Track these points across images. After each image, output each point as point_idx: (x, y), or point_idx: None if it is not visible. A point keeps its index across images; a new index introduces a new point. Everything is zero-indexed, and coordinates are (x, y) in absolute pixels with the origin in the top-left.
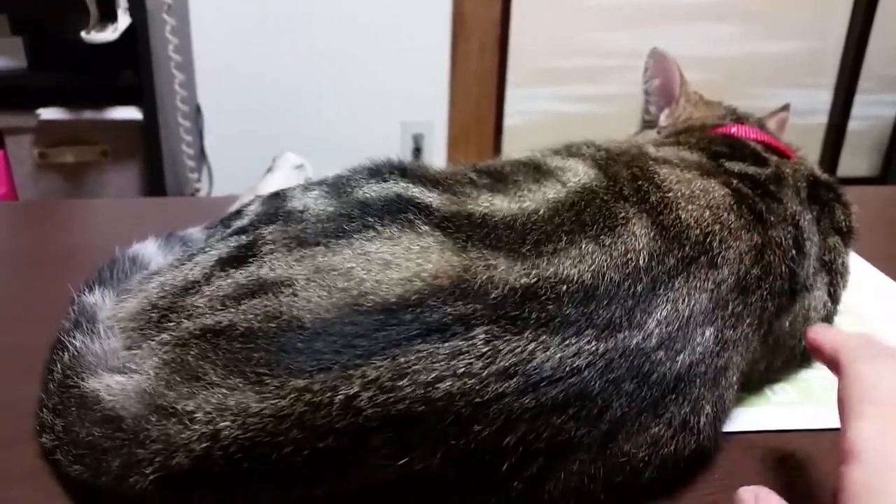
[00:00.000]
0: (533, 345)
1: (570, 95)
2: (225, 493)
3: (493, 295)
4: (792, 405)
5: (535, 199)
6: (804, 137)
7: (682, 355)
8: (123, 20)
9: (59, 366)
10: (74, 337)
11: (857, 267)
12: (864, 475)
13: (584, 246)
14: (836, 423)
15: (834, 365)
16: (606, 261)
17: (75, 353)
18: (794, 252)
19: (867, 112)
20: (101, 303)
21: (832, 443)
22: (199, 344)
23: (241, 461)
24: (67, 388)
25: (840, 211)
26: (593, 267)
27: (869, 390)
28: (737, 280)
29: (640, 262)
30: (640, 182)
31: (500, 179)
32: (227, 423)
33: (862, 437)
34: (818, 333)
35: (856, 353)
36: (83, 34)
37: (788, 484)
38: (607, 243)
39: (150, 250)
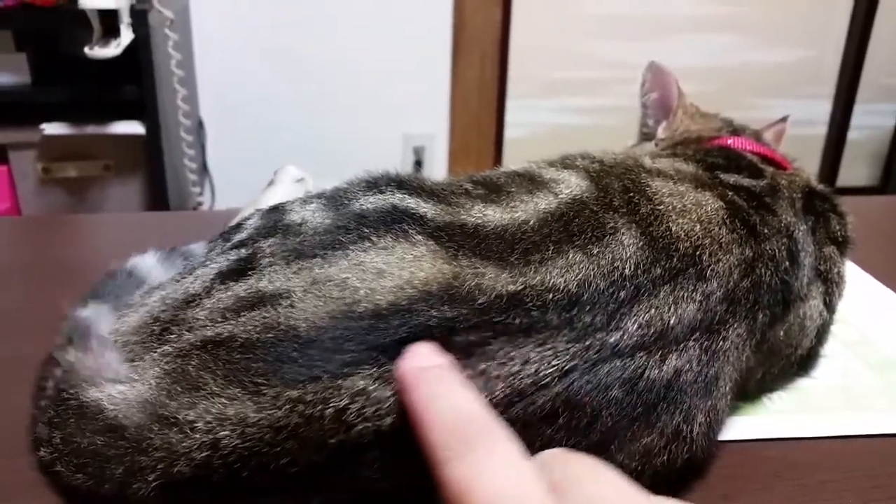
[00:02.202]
0: (513, 350)
1: (571, 107)
2: (225, 501)
3: (479, 301)
4: (788, 413)
5: (527, 209)
6: (803, 147)
7: (668, 363)
8: (126, 36)
9: (50, 382)
10: (67, 352)
11: (855, 276)
12: None
13: (571, 255)
14: (833, 431)
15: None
16: (593, 269)
17: (68, 367)
18: (787, 264)
19: (866, 122)
20: (94, 317)
21: (830, 451)
22: (199, 355)
23: (240, 470)
24: (64, 401)
25: (836, 221)
26: (580, 276)
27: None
28: (726, 292)
29: (626, 270)
30: (630, 194)
31: (494, 190)
32: (226, 433)
33: None
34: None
35: (448, 447)
36: (87, 50)
37: (785, 492)
38: (595, 252)
39: (150, 264)
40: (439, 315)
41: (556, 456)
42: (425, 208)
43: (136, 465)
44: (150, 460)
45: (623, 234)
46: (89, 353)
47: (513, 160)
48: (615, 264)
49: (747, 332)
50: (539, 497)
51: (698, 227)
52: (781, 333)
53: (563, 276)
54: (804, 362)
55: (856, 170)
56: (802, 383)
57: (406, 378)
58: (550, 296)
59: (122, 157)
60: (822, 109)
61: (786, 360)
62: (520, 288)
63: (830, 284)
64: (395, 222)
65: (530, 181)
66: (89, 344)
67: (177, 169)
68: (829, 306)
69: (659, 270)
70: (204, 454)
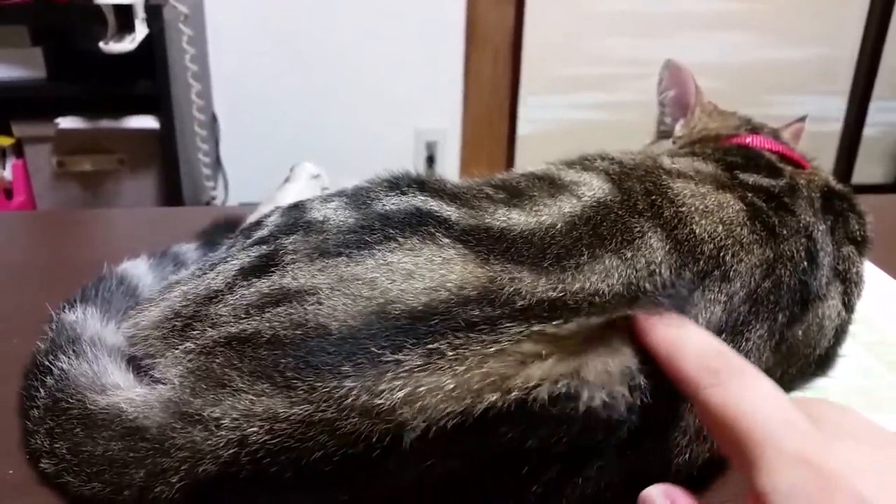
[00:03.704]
0: None
1: (584, 103)
2: (251, 499)
3: (519, 304)
4: None
5: (552, 213)
6: (819, 144)
7: None
8: (141, 31)
9: (42, 391)
10: (57, 358)
11: (873, 276)
12: None
13: (607, 260)
14: None
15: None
16: (632, 274)
17: (62, 375)
18: (805, 264)
19: (882, 119)
20: (81, 321)
21: None
22: (224, 351)
23: (268, 466)
24: (64, 411)
25: (854, 220)
26: (622, 280)
27: None
28: (748, 293)
29: (664, 274)
30: (653, 197)
31: (515, 195)
32: (254, 429)
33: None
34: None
35: (706, 374)
36: (101, 45)
37: None
38: (629, 256)
39: (141, 270)
40: (481, 314)
41: (805, 400)
42: (449, 211)
43: (159, 468)
44: (173, 461)
45: (650, 237)
46: (83, 359)
47: (525, 157)
48: (651, 268)
49: (768, 332)
50: (804, 424)
51: (720, 228)
52: (800, 333)
53: (604, 282)
54: (822, 362)
55: (871, 167)
56: (820, 384)
57: (644, 322)
58: (596, 300)
59: (137, 151)
60: (837, 106)
61: (804, 361)
62: (560, 295)
63: (849, 284)
64: (420, 224)
65: (551, 184)
66: (82, 349)
67: (191, 163)
68: (848, 306)
69: (689, 275)
70: (231, 451)
